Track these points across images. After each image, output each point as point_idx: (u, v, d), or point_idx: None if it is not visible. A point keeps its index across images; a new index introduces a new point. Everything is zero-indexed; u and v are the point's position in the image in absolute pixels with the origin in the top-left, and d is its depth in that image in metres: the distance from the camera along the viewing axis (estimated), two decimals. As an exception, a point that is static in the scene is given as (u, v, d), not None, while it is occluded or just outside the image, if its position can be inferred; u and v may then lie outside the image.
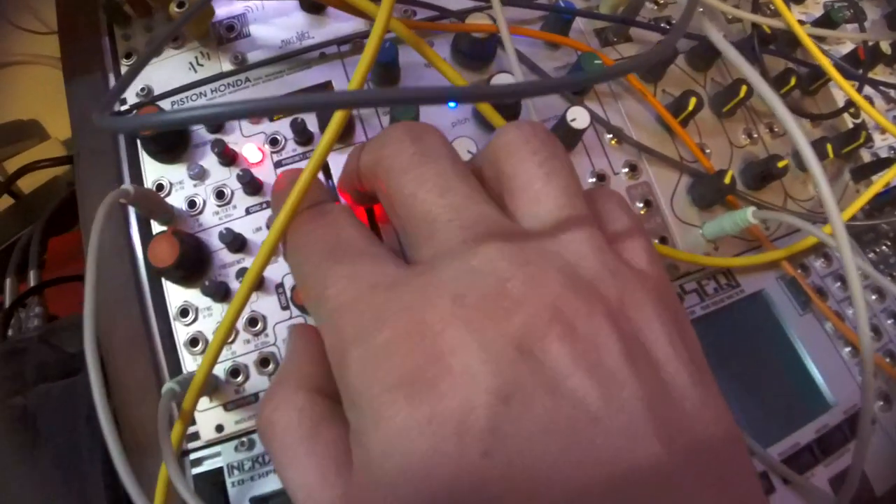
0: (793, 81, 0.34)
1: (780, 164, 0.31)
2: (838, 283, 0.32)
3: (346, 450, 0.15)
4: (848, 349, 0.30)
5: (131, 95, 0.29)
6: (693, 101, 0.30)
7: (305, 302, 0.16)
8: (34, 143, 0.47)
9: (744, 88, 0.31)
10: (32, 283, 0.33)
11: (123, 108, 0.29)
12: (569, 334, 0.12)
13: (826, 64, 0.34)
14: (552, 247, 0.14)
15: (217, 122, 0.28)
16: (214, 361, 0.18)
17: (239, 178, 0.26)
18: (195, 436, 0.25)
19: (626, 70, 0.22)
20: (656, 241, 0.29)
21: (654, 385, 0.12)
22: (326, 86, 0.29)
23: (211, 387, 0.25)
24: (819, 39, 0.38)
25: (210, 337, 0.26)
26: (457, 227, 0.14)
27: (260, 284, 0.26)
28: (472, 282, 0.13)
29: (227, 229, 0.25)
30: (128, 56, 0.30)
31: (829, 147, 0.33)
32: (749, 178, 0.32)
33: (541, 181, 0.15)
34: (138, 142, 0.28)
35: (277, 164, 0.28)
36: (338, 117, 0.18)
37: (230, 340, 0.25)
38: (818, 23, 0.37)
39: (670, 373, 0.13)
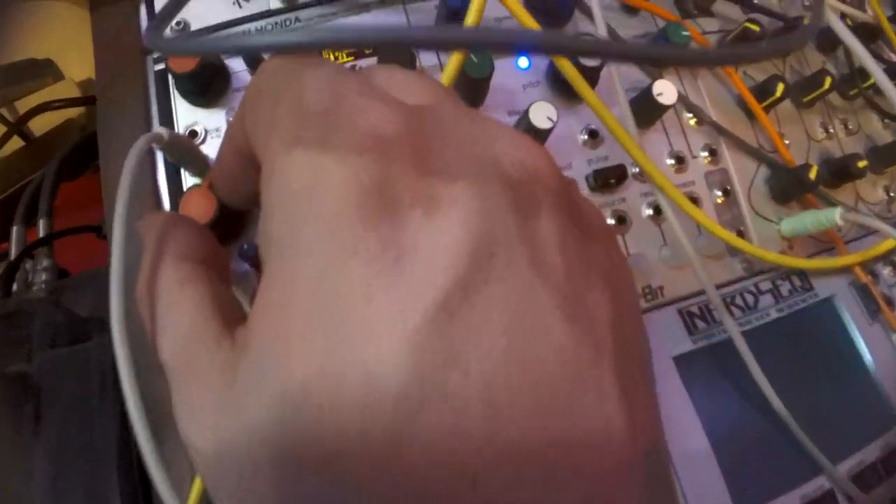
0: (872, 80, 0.30)
1: (860, 165, 0.27)
2: (905, 293, 0.28)
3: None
4: (912, 362, 0.27)
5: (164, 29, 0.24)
6: (781, 87, 0.26)
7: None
8: (48, 83, 0.41)
9: (828, 80, 0.27)
10: (42, 233, 0.28)
11: (154, 41, 0.24)
12: None
13: (908, 59, 0.30)
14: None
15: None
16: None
17: (286, 128, 0.21)
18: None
19: (770, 54, 0.18)
20: (733, 233, 0.25)
21: None
22: (385, 35, 0.25)
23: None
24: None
25: (248, 307, 0.21)
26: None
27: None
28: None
29: (271, 186, 0.21)
30: (162, -19, 0.25)
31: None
32: (825, 173, 0.28)
33: None
34: (170, 80, 0.23)
35: (329, 118, 0.23)
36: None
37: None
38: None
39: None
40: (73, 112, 0.40)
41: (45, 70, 0.42)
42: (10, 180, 0.40)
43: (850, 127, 0.30)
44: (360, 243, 0.10)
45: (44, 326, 0.22)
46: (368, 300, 0.09)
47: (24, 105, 0.41)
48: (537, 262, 0.10)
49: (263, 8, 0.24)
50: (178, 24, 0.24)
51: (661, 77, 0.25)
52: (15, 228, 0.29)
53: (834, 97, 0.30)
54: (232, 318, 0.13)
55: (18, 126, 0.39)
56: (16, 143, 0.40)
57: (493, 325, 0.09)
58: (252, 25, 0.24)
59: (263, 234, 0.12)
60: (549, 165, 0.12)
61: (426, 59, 0.24)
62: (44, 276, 0.27)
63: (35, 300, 0.23)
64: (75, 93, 0.41)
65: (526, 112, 0.22)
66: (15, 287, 0.28)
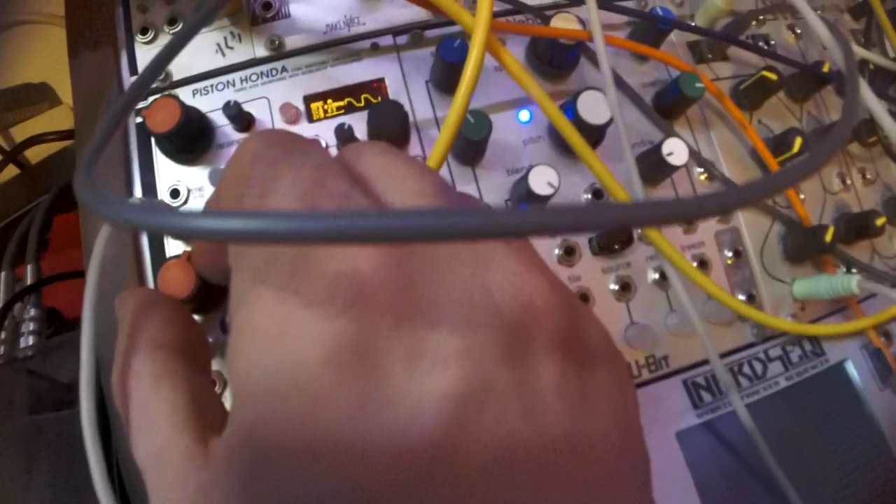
0: None
1: (879, 222, 0.25)
2: (921, 353, 0.26)
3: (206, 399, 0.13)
4: (927, 428, 0.25)
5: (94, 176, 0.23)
6: (799, 141, 0.24)
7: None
8: (44, 108, 0.40)
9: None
10: (29, 280, 0.27)
11: (137, 92, 0.22)
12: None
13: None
14: None
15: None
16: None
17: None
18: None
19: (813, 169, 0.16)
20: (744, 298, 0.23)
21: None
22: (379, 83, 0.23)
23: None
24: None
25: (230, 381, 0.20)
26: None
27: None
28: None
29: (255, 257, 0.19)
30: (143, 32, 0.23)
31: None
32: (841, 230, 0.26)
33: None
34: (151, 138, 0.22)
35: (317, 179, 0.21)
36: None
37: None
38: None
39: None
40: (68, 141, 0.39)
41: (41, 95, 0.41)
42: (6, 209, 0.38)
43: (868, 176, 0.28)
44: (334, 400, 0.09)
45: (23, 394, 0.21)
46: (336, 459, 0.09)
47: (20, 129, 0.40)
48: (532, 410, 0.09)
49: (248, 56, 0.23)
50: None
51: (672, 133, 0.23)
52: (3, 274, 0.28)
53: (852, 144, 0.28)
54: (209, 419, 0.12)
55: (13, 156, 0.37)
56: (11, 170, 0.39)
57: (480, 479, 0.09)
58: (237, 75, 0.23)
59: (232, 366, 0.11)
60: (545, 292, 0.11)
61: (420, 112, 0.23)
62: (32, 326, 0.26)
63: (20, 359, 0.22)
64: (72, 119, 0.40)
65: (525, 176, 0.20)
66: (3, 335, 0.26)
